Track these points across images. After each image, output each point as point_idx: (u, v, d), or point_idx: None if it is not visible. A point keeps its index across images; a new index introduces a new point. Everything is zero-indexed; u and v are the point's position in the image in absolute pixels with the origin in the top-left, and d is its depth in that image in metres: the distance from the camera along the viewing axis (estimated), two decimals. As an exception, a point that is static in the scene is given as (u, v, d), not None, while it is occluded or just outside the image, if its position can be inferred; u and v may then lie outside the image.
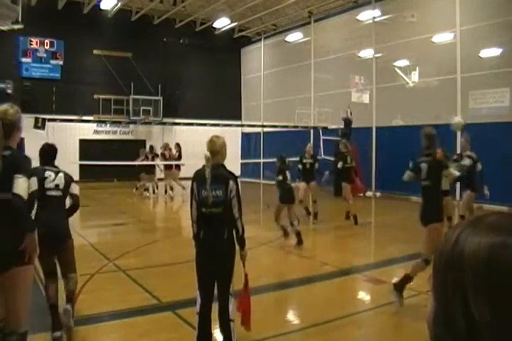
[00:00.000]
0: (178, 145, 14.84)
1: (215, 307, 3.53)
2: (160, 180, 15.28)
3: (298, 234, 7.41)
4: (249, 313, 3.69)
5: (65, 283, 4.14)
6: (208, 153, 3.51)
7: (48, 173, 4.04)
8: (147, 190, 14.87)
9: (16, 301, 2.79)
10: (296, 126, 17.68)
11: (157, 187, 15.15)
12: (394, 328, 4.26)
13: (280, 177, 7.68)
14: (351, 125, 14.93)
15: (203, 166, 3.55)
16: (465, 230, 0.65)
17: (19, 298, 2.81)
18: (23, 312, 2.84)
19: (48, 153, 4.25)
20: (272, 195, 12.30)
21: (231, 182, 3.44)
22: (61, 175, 4.13)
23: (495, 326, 0.58)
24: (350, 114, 14.92)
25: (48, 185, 3.99)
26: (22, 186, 2.79)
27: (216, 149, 3.54)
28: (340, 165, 9.75)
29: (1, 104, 3.06)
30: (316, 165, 9.78)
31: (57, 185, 4.04)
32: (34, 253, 2.95)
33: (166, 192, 14.82)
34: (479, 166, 7.60)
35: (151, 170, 14.64)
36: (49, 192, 3.99)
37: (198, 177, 3.53)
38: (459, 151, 8.47)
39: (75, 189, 4.26)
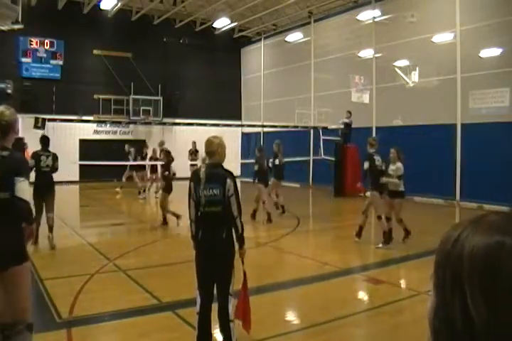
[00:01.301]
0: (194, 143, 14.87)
1: (214, 307, 3.53)
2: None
3: (176, 216, 9.09)
4: (249, 316, 3.69)
5: (46, 220, 7.15)
6: (206, 154, 3.52)
7: (42, 157, 7.18)
8: (143, 191, 14.56)
9: (20, 297, 2.91)
10: (296, 126, 17.68)
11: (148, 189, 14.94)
12: (394, 328, 4.26)
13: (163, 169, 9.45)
14: (351, 125, 14.92)
15: (200, 166, 3.56)
16: (466, 229, 0.65)
17: (22, 293, 2.93)
18: (27, 305, 2.97)
19: (43, 141, 7.38)
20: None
21: (228, 181, 3.44)
22: (50, 157, 7.23)
23: (492, 325, 0.58)
24: (349, 117, 14.86)
25: (42, 164, 7.13)
26: (24, 189, 2.87)
27: (212, 150, 3.54)
28: (277, 162, 10.55)
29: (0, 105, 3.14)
30: (255, 167, 10.24)
31: (47, 165, 7.18)
32: (31, 239, 3.51)
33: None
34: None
35: (140, 168, 14.64)
36: (42, 169, 7.11)
37: (195, 177, 3.54)
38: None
39: (56, 164, 7.30)
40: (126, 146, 15.10)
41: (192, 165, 14.53)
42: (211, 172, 3.47)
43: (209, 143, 3.56)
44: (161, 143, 13.87)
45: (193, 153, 14.96)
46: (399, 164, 7.55)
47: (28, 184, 2.92)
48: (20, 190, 2.83)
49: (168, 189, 9.26)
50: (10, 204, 2.83)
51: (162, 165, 9.86)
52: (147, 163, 14.39)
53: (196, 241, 3.56)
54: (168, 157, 9.55)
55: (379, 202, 7.72)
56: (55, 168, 7.30)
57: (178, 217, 9.06)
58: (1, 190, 2.84)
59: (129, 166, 14.88)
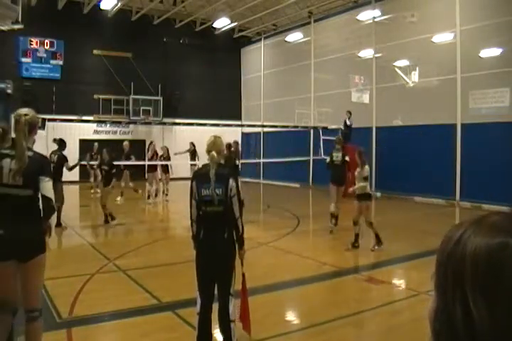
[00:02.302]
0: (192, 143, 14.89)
1: (215, 308, 3.52)
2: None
3: (109, 215, 9.48)
4: (249, 319, 3.69)
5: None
6: (215, 153, 3.51)
7: (51, 156, 8.47)
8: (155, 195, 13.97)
9: (37, 285, 3.19)
10: (296, 126, 17.67)
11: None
12: (393, 328, 4.26)
13: (106, 168, 10.07)
14: (352, 126, 14.92)
15: (204, 165, 3.56)
16: (468, 229, 0.65)
17: (39, 281, 3.23)
18: (40, 292, 3.29)
19: (58, 143, 9.07)
20: (273, 195, 12.37)
21: (231, 181, 3.44)
22: (56, 156, 8.62)
23: (493, 326, 0.57)
24: (349, 118, 14.84)
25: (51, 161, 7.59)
26: (49, 188, 3.14)
27: (221, 148, 3.61)
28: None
29: (6, 105, 3.30)
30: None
31: (53, 161, 8.10)
32: (49, 232, 3.58)
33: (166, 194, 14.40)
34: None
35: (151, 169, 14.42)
36: (52, 165, 8.12)
37: (199, 176, 3.53)
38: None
39: (66, 165, 8.73)
40: (95, 145, 15.32)
41: (192, 165, 14.45)
42: (218, 172, 3.48)
43: (216, 143, 3.58)
44: (126, 145, 14.18)
45: (193, 152, 14.90)
46: (366, 167, 7.50)
47: (51, 182, 3.17)
48: (45, 189, 3.10)
49: (108, 184, 9.77)
50: (33, 200, 3.10)
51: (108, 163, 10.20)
52: (158, 162, 14.19)
53: (197, 241, 3.55)
54: (110, 156, 10.20)
55: (332, 193, 8.95)
56: (68, 169, 8.79)
57: (113, 218, 9.53)
58: (26, 187, 3.06)
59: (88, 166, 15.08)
